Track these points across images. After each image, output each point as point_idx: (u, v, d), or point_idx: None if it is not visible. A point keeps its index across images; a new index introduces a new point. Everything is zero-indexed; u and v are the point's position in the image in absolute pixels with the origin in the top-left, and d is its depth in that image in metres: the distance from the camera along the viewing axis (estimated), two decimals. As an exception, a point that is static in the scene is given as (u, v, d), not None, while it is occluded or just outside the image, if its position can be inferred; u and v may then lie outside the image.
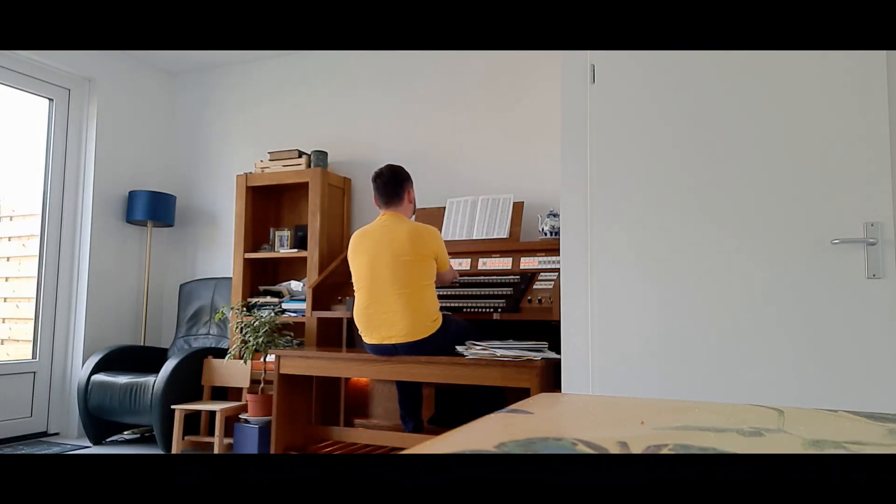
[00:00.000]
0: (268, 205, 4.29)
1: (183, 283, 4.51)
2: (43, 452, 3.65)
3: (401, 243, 2.82)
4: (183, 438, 3.56)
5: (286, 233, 4.09)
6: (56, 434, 4.16)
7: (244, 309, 3.88)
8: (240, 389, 3.88)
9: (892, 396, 2.00)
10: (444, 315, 2.88)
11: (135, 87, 4.62)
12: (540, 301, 2.97)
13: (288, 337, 3.51)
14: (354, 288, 2.94)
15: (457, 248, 3.49)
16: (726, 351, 2.19)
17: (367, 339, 2.89)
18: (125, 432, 4.12)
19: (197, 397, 3.83)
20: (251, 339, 3.38)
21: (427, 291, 2.83)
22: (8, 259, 4.17)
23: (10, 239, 4.21)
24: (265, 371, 3.60)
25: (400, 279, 2.79)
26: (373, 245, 2.87)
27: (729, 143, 2.24)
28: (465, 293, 3.17)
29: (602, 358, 2.35)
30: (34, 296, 4.10)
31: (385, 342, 2.83)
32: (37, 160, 4.16)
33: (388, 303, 2.81)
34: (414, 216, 3.25)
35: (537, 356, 2.67)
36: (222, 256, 4.59)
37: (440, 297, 3.14)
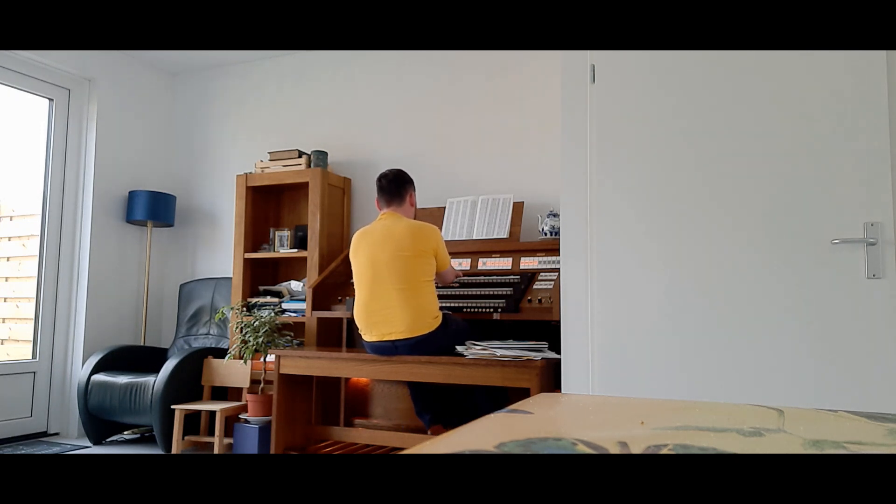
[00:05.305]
0: (268, 205, 4.29)
1: (183, 283, 4.51)
2: (43, 452, 3.65)
3: (401, 239, 2.82)
4: (183, 438, 3.56)
5: (286, 233, 4.09)
6: (56, 434, 4.16)
7: (244, 309, 3.88)
8: (240, 389, 3.88)
9: (892, 396, 2.00)
10: (444, 314, 2.89)
11: (135, 87, 4.62)
12: (540, 301, 2.97)
13: (288, 337, 3.51)
14: (355, 286, 2.95)
15: (457, 248, 3.49)
16: (726, 351, 2.19)
17: (366, 337, 2.90)
18: (125, 432, 4.12)
19: (197, 397, 3.83)
20: (251, 339, 3.38)
21: (426, 288, 2.83)
22: (8, 259, 4.17)
23: (10, 239, 4.21)
24: (265, 371, 3.60)
25: (399, 275, 2.80)
26: (373, 242, 2.88)
27: (728, 144, 2.24)
28: (465, 293, 3.16)
29: (602, 358, 2.35)
30: (34, 296, 4.10)
31: (385, 339, 2.83)
32: (37, 160, 4.16)
33: (388, 299, 2.81)
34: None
35: (537, 356, 2.67)
36: (222, 256, 4.59)
37: (440, 297, 3.14)
